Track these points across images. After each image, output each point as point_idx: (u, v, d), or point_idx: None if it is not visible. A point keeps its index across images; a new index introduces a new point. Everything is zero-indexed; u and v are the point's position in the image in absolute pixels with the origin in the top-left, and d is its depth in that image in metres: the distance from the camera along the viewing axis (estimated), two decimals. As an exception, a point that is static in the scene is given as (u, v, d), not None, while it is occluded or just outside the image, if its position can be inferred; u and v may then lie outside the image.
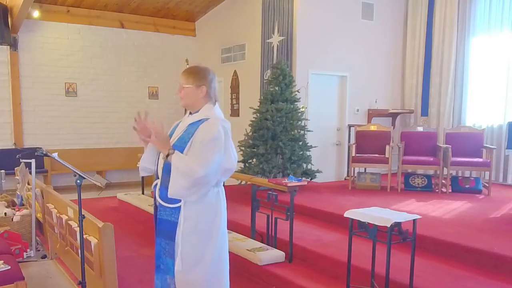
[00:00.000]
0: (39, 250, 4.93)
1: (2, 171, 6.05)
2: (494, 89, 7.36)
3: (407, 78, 8.64)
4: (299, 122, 6.72)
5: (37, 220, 5.19)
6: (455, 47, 7.80)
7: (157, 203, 2.62)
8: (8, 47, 8.27)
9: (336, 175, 8.10)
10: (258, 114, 6.80)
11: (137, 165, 2.73)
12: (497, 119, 7.30)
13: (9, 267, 3.18)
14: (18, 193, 5.72)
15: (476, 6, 7.56)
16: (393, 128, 7.84)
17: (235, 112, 8.93)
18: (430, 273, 3.55)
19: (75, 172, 2.91)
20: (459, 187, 6.36)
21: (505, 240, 4.00)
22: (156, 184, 2.62)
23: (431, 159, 6.49)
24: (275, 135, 6.55)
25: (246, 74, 8.61)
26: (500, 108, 7.25)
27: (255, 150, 6.64)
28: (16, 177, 5.83)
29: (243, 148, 6.82)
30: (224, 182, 2.77)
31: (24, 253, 4.65)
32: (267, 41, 7.86)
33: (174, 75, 9.52)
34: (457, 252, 3.89)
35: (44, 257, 4.76)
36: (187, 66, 8.05)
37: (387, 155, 6.54)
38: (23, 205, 5.57)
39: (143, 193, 7.11)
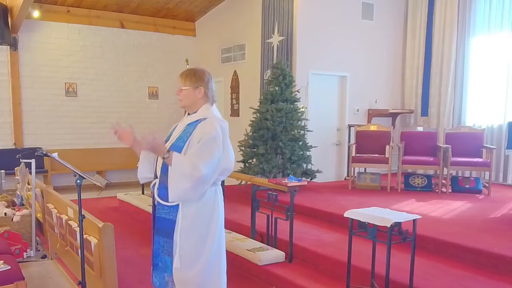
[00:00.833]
0: (39, 250, 4.94)
1: (2, 171, 6.05)
2: (494, 89, 7.35)
3: (407, 78, 8.64)
4: (299, 122, 6.72)
5: (37, 220, 5.19)
6: (455, 47, 7.80)
7: (155, 202, 2.65)
8: (8, 47, 8.27)
9: (336, 175, 8.10)
10: (258, 114, 6.80)
11: (137, 165, 2.75)
12: (497, 119, 7.30)
13: (9, 267, 3.18)
14: (18, 193, 5.72)
15: (476, 6, 7.56)
16: (393, 128, 7.84)
17: (235, 112, 8.93)
18: (430, 273, 3.55)
19: (75, 172, 2.91)
20: (459, 187, 6.36)
21: (505, 240, 4.00)
22: (155, 183, 2.64)
23: (431, 159, 6.49)
24: (275, 135, 6.55)
25: (246, 74, 8.61)
26: (500, 108, 7.25)
27: (255, 150, 6.64)
28: (16, 177, 5.83)
29: (243, 148, 6.82)
30: (223, 182, 2.78)
31: (24, 253, 4.65)
32: (267, 41, 7.86)
33: (174, 75, 9.46)
34: (457, 252, 3.89)
35: (44, 257, 4.76)
36: (187, 66, 8.07)
37: (387, 155, 6.54)
38: (23, 205, 5.57)
39: (143, 193, 7.11)
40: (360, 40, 8.04)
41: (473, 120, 7.67)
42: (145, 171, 2.71)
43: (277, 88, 6.72)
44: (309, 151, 6.78)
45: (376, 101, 8.22)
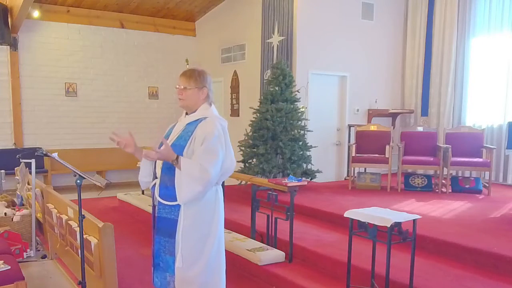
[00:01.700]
0: (39, 250, 4.94)
1: (2, 171, 6.05)
2: (494, 89, 7.35)
3: (407, 78, 8.64)
4: (299, 122, 6.72)
5: (37, 220, 5.19)
6: (455, 47, 7.80)
7: (156, 202, 2.65)
8: (8, 47, 8.27)
9: (336, 175, 8.10)
10: (258, 114, 6.80)
11: (137, 165, 2.76)
12: (497, 119, 7.30)
13: (9, 267, 3.18)
14: (18, 193, 5.72)
15: (476, 6, 7.56)
16: (393, 128, 7.84)
17: (235, 112, 8.93)
18: (430, 273, 3.56)
19: (75, 172, 2.91)
20: (459, 187, 6.36)
21: (505, 240, 4.00)
22: (155, 184, 2.65)
23: (431, 159, 6.49)
24: (275, 135, 6.55)
25: (246, 74, 8.61)
26: (500, 108, 7.25)
27: (255, 150, 6.64)
28: (16, 177, 5.83)
29: (243, 148, 6.82)
30: (224, 182, 2.79)
31: (24, 253, 4.65)
32: (267, 41, 7.86)
33: (174, 75, 9.50)
34: (457, 252, 3.89)
35: (44, 257, 4.76)
36: (187, 66, 8.07)
37: (387, 155, 6.54)
38: (23, 205, 5.57)
39: (143, 193, 7.11)
40: (360, 40, 8.04)
41: (473, 120, 7.67)
42: (146, 175, 2.74)
43: (277, 88, 6.72)
44: (309, 151, 6.78)
45: (376, 101, 8.22)
